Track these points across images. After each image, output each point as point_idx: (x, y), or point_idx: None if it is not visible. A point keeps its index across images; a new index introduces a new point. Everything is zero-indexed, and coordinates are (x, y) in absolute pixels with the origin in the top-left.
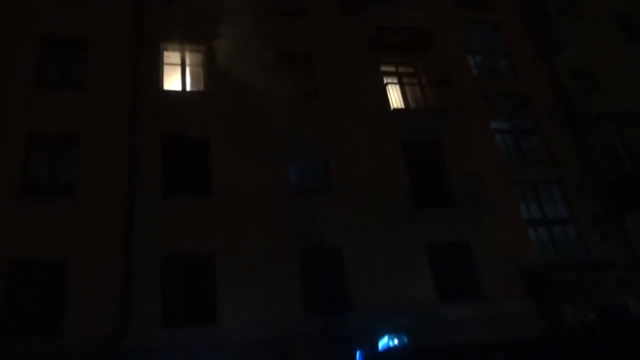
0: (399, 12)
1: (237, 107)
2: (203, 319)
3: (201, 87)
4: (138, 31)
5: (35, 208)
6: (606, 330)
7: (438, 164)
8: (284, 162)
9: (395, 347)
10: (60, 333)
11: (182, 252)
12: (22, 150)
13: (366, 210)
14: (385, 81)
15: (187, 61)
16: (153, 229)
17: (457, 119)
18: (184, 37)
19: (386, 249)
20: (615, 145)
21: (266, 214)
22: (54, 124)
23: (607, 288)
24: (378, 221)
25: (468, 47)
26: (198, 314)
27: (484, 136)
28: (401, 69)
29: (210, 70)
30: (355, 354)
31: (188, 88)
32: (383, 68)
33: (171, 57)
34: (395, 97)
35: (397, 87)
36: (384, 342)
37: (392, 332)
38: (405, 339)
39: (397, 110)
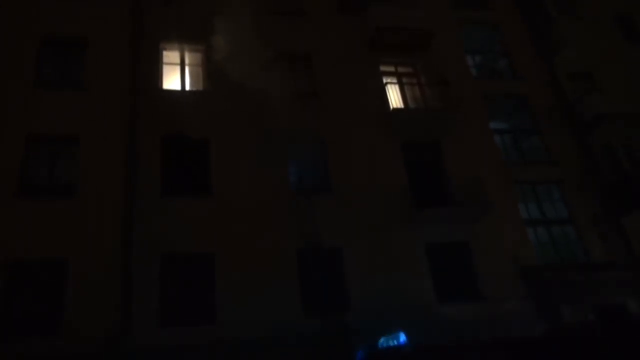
0: (399, 12)
1: (236, 106)
2: (202, 318)
3: (200, 87)
4: (137, 31)
5: (35, 208)
6: (605, 331)
7: (437, 164)
8: (283, 162)
9: (394, 347)
10: (59, 333)
11: (181, 252)
12: (21, 150)
13: (366, 210)
14: (384, 81)
15: (187, 61)
16: (152, 228)
17: (456, 119)
18: (184, 37)
19: (386, 249)
20: (615, 145)
21: (266, 214)
22: (53, 124)
23: (606, 288)
24: (377, 221)
25: (467, 47)
26: (197, 314)
27: (484, 136)
28: (400, 69)
29: (209, 70)
30: (355, 354)
31: (187, 88)
32: (382, 68)
33: (171, 56)
34: (394, 97)
35: (397, 87)
36: (383, 342)
37: (392, 331)
38: (405, 339)
39: (396, 110)
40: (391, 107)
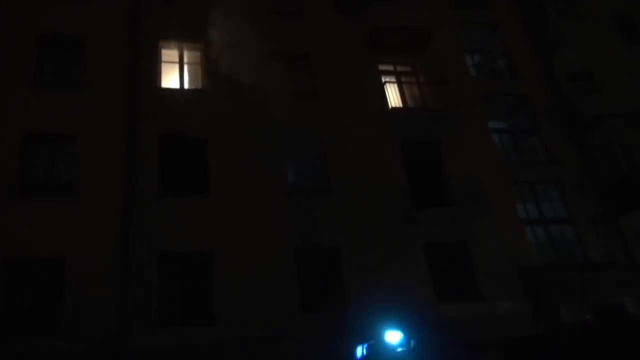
0: (398, 12)
1: (235, 106)
2: (201, 318)
3: (199, 86)
4: (136, 29)
5: (34, 207)
6: (604, 331)
7: (436, 163)
8: (282, 162)
9: (393, 346)
10: (58, 332)
11: (180, 251)
12: (20, 150)
13: (364, 210)
14: (383, 80)
15: (186, 59)
16: (151, 228)
17: (455, 118)
18: (183, 36)
19: (384, 249)
20: (614, 145)
21: (264, 213)
22: (52, 123)
23: (605, 288)
24: (376, 221)
25: (467, 47)
26: (195, 313)
27: (483, 136)
28: (399, 68)
29: (208, 69)
30: (353, 353)
31: (186, 86)
32: (381, 67)
33: (169, 55)
34: (393, 97)
35: (396, 86)
36: (381, 341)
37: (389, 331)
38: (403, 338)
39: (395, 110)
40: (390, 106)
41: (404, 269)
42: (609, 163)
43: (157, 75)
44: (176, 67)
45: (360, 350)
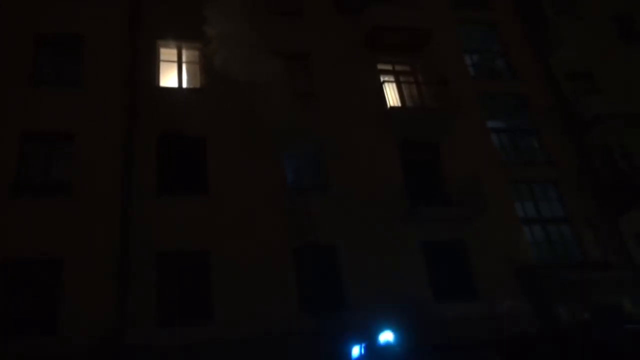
0: (397, 12)
1: (233, 105)
2: (199, 317)
3: (198, 85)
4: (135, 28)
5: (31, 207)
6: (600, 330)
7: (434, 163)
8: (281, 161)
9: (389, 345)
10: (56, 332)
11: (177, 251)
12: (17, 149)
13: (362, 209)
14: (382, 79)
15: (184, 58)
16: (149, 227)
17: (454, 118)
18: (181, 34)
19: (382, 248)
20: (612, 145)
21: (262, 212)
22: (49, 122)
23: (602, 288)
24: (374, 220)
25: (466, 46)
26: (194, 312)
27: (481, 136)
28: (398, 67)
29: (207, 68)
30: (350, 352)
31: (185, 85)
32: (380, 66)
33: (168, 54)
34: (392, 96)
35: (394, 85)
36: (378, 340)
37: (387, 329)
38: (400, 337)
39: (394, 109)
40: (389, 106)
41: (401, 268)
42: (608, 163)
43: (155, 74)
44: (175, 66)
45: (357, 350)
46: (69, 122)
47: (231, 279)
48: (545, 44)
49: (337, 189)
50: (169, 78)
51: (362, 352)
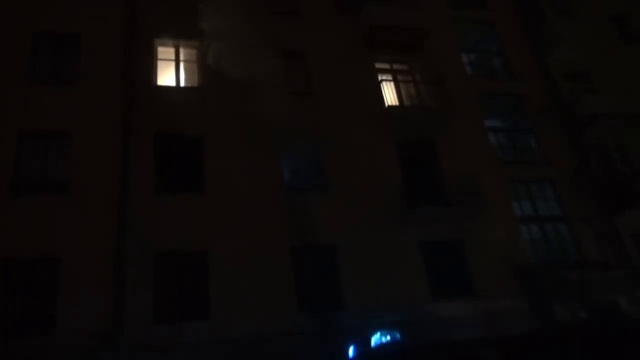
0: (395, 12)
1: (231, 104)
2: (196, 316)
3: (195, 83)
4: (132, 27)
5: (28, 206)
6: (597, 329)
7: (432, 162)
8: (278, 160)
9: (388, 344)
10: (52, 331)
11: (175, 249)
12: (15, 147)
13: (360, 208)
14: (379, 78)
15: (182, 57)
16: (146, 225)
17: (451, 117)
18: (179, 33)
19: (380, 247)
20: (609, 145)
21: (260, 211)
22: (46, 120)
23: (599, 287)
24: (372, 219)
25: (463, 45)
26: (191, 311)
27: (478, 135)
28: (396, 66)
29: (204, 67)
30: (349, 351)
31: (182, 84)
32: (378, 65)
33: (165, 52)
34: (389, 95)
35: (392, 84)
36: (376, 339)
37: (385, 328)
38: (398, 336)
39: (392, 108)
40: (387, 105)
41: (399, 267)
42: (605, 162)
43: (153, 73)
44: (172, 65)
45: (355, 349)
46: (67, 121)
47: (229, 278)
48: (543, 44)
49: (335, 188)
50: (166, 77)
51: (360, 351)
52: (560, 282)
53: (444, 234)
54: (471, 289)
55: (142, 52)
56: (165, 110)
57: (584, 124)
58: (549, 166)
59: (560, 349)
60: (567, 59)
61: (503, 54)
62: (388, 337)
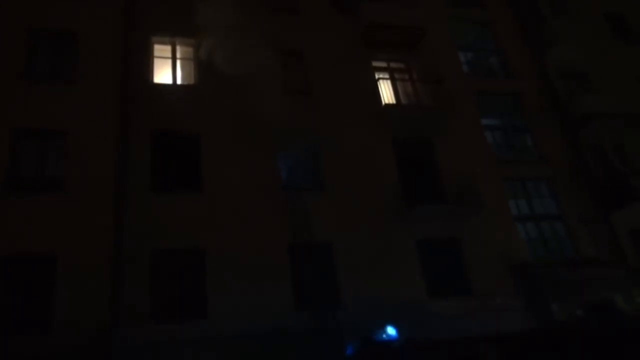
0: (392, 10)
1: (228, 102)
2: (193, 314)
3: (192, 81)
4: (128, 25)
5: (24, 204)
6: (594, 327)
7: (429, 161)
8: (275, 159)
9: (385, 342)
10: (49, 329)
11: (172, 248)
12: (10, 145)
13: (357, 207)
14: (377, 76)
15: (178, 55)
16: (143, 224)
17: (448, 116)
18: (176, 31)
19: (377, 246)
20: (605, 143)
21: (257, 210)
22: (42, 118)
23: (596, 285)
24: (369, 218)
25: (460, 44)
26: (188, 310)
27: (475, 133)
28: (393, 65)
29: (201, 65)
30: (346, 349)
31: (179, 82)
32: (375, 64)
33: (162, 50)
34: (386, 94)
35: (389, 83)
36: (374, 337)
37: (383, 327)
38: (396, 334)
39: (389, 106)
40: (383, 103)
41: (396, 266)
42: (601, 161)
43: (149, 71)
44: (169, 63)
45: (352, 347)
46: (63, 119)
47: (225, 275)
48: (540, 43)
49: (333, 186)
50: (163, 74)
51: (357, 349)
52: (557, 280)
53: (442, 232)
54: (469, 287)
55: (139, 49)
56: (162, 108)
57: (581, 123)
58: (545, 164)
59: (556, 346)
60: (565, 58)
61: (500, 53)
62: (386, 335)
